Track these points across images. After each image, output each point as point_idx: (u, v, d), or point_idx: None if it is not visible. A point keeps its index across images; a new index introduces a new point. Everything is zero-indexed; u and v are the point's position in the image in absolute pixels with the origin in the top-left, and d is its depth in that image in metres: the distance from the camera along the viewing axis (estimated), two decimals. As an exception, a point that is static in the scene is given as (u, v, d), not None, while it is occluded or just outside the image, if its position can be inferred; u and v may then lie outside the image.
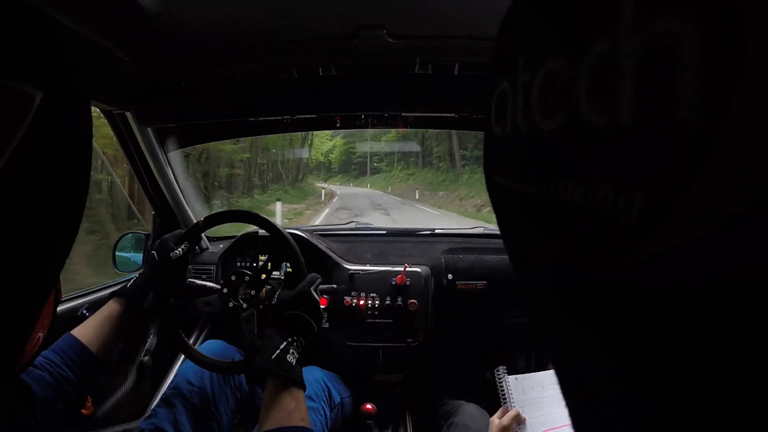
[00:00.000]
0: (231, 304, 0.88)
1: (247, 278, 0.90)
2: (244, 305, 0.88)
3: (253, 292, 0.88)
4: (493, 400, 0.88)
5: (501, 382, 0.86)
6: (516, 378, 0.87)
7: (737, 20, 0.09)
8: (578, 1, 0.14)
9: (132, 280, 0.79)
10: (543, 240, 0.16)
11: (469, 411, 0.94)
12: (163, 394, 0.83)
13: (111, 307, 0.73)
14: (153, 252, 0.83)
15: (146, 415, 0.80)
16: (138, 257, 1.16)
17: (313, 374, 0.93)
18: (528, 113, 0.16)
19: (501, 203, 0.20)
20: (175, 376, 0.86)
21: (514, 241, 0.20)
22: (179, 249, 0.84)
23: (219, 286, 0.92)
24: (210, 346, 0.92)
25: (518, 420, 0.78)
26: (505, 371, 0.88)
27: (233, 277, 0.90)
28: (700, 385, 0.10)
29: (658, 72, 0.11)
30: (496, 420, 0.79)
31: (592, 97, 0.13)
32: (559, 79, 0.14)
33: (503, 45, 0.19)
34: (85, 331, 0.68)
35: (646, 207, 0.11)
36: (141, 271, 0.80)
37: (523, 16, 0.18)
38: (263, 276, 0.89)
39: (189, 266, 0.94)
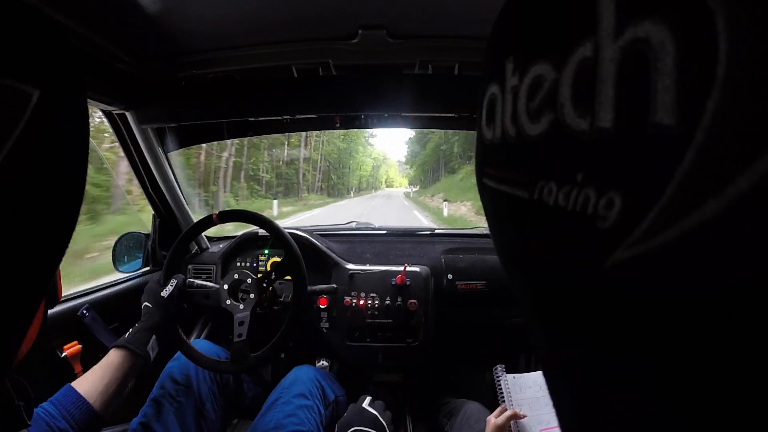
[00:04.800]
0: (228, 302, 0.89)
1: (249, 280, 0.90)
2: (241, 306, 0.88)
3: (252, 296, 0.89)
4: (493, 399, 0.88)
5: (499, 381, 0.87)
6: (514, 377, 0.87)
7: (711, 25, 0.09)
8: (562, 6, 0.14)
9: (130, 331, 0.77)
10: (529, 242, 0.17)
11: (471, 409, 0.94)
12: (151, 394, 0.83)
13: (111, 358, 0.71)
14: (145, 303, 0.81)
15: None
16: (138, 257, 1.16)
17: (306, 373, 0.94)
18: (516, 118, 0.16)
19: (490, 206, 0.20)
20: (162, 375, 0.87)
21: (503, 243, 0.20)
22: (168, 286, 0.84)
23: (219, 285, 0.92)
24: (195, 345, 0.93)
25: (515, 419, 0.78)
26: (503, 370, 0.88)
27: (236, 275, 0.91)
28: (688, 385, 0.11)
29: (636, 77, 0.11)
30: (492, 419, 0.79)
31: (575, 102, 0.13)
32: (544, 84, 0.14)
33: (493, 49, 0.19)
34: (84, 384, 0.66)
35: (624, 209, 0.11)
36: (137, 323, 0.79)
37: (512, 20, 0.18)
38: (265, 284, 0.90)
39: (188, 278, 0.95)
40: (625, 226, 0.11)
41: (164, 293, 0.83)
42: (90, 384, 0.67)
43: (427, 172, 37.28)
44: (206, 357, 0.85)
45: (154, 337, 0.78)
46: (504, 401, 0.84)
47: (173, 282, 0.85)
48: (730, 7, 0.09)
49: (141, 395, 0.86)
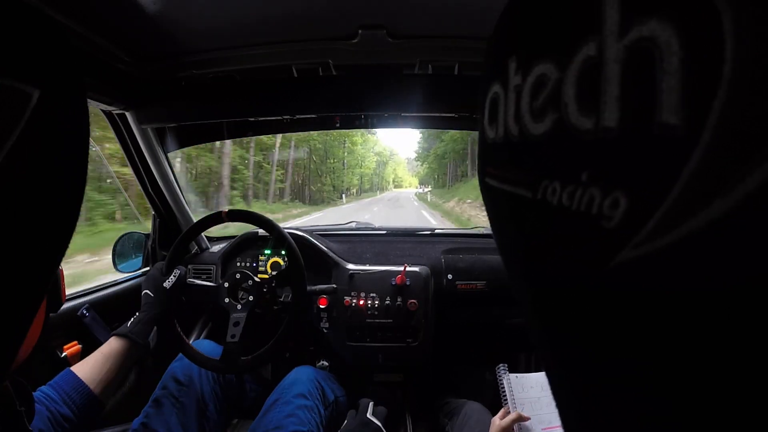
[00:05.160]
0: (227, 300, 0.89)
1: (250, 282, 0.90)
2: (239, 306, 0.88)
3: (251, 298, 0.89)
4: (493, 399, 0.88)
5: (501, 380, 0.86)
6: (516, 376, 0.86)
7: (718, 25, 0.09)
8: (566, 5, 0.14)
9: (132, 319, 0.77)
10: (532, 242, 0.17)
11: (472, 410, 0.94)
12: (153, 394, 0.83)
13: (112, 346, 0.71)
14: (145, 291, 0.82)
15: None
16: (138, 257, 1.16)
17: (306, 373, 0.94)
18: (519, 117, 0.16)
19: (493, 205, 0.20)
20: (165, 375, 0.87)
21: (505, 243, 0.20)
22: (171, 277, 0.84)
23: (219, 283, 0.92)
24: (198, 346, 0.93)
25: (519, 421, 0.78)
26: (506, 369, 0.88)
27: (238, 275, 0.91)
28: (689, 385, 0.11)
29: (642, 76, 0.11)
30: (497, 420, 0.78)
31: (579, 101, 0.13)
32: (548, 83, 0.14)
33: (496, 48, 0.19)
34: (85, 369, 0.66)
35: (630, 209, 0.11)
36: (140, 310, 0.80)
37: (516, 19, 0.18)
38: (265, 289, 0.90)
39: (187, 277, 0.96)
40: (631, 226, 0.11)
41: (167, 284, 0.83)
42: (91, 370, 0.66)
43: (446, 167, 28.74)
44: (200, 353, 0.85)
45: (155, 328, 0.78)
46: (506, 401, 0.83)
47: (176, 273, 0.86)
48: (737, 6, 0.09)
49: (142, 395, 0.86)
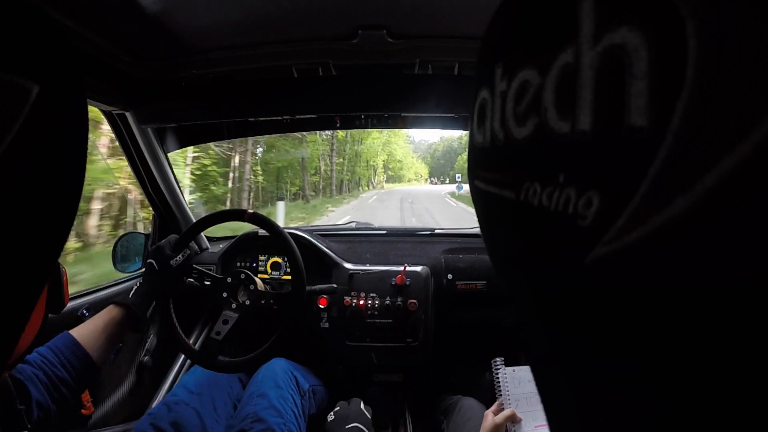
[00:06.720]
0: (224, 294, 0.90)
1: (252, 287, 0.90)
2: (233, 305, 0.89)
3: (247, 303, 0.89)
4: (489, 395, 0.87)
5: (497, 374, 0.86)
6: (513, 370, 0.85)
7: (682, 31, 0.09)
8: (547, 15, 0.15)
9: (133, 290, 0.77)
10: (516, 243, 0.17)
11: (468, 405, 0.94)
12: (164, 398, 0.84)
13: (112, 313, 0.71)
14: (150, 261, 0.82)
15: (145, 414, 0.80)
16: (138, 257, 1.16)
17: (279, 364, 0.95)
18: (504, 121, 0.17)
19: (481, 207, 0.21)
20: (176, 386, 0.89)
21: (492, 243, 0.21)
22: (179, 256, 0.85)
23: (222, 276, 0.93)
24: None
25: (513, 420, 0.78)
26: (502, 363, 0.87)
27: (242, 276, 0.91)
28: (676, 384, 0.11)
29: (613, 81, 0.11)
30: (490, 415, 0.78)
31: (557, 106, 0.14)
32: (530, 89, 0.15)
33: (484, 55, 0.20)
34: (83, 333, 0.65)
35: (601, 208, 0.12)
36: (141, 280, 0.80)
37: (502, 28, 0.19)
38: (263, 302, 0.91)
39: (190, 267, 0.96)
40: (602, 224, 0.11)
41: (173, 262, 0.83)
42: (90, 335, 0.65)
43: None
44: (185, 339, 0.86)
45: (154, 303, 0.79)
46: (500, 395, 0.83)
47: (186, 252, 0.87)
48: (701, 13, 0.09)
49: (142, 396, 0.86)
